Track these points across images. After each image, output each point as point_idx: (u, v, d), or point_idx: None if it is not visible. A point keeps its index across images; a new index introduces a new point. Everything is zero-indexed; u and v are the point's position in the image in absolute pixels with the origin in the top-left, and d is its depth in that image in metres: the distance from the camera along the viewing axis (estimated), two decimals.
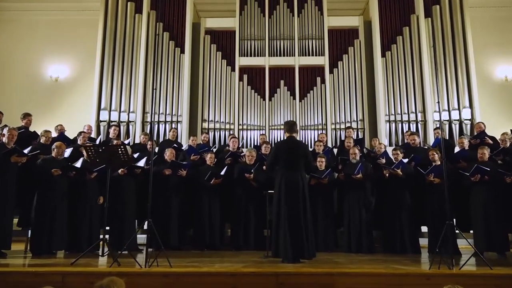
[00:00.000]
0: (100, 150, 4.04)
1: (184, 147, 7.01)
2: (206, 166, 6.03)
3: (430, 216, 5.55)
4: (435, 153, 5.66)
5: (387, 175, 5.68)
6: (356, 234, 5.59)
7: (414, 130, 7.84)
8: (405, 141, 7.57)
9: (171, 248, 5.63)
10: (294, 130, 4.52)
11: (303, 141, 7.89)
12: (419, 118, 8.15)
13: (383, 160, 6.01)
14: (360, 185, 5.69)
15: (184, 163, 5.95)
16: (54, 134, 6.14)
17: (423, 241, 5.77)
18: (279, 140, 8.03)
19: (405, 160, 5.83)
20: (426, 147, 6.68)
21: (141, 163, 5.70)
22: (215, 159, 6.17)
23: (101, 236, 5.78)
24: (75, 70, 9.42)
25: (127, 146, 5.01)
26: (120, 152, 4.04)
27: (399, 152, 5.85)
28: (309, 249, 4.14)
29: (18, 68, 9.33)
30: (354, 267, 3.77)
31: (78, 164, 5.09)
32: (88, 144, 4.22)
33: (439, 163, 5.56)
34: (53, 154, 5.05)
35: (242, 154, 6.47)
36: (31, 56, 9.39)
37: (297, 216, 4.17)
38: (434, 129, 6.97)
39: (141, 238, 6.06)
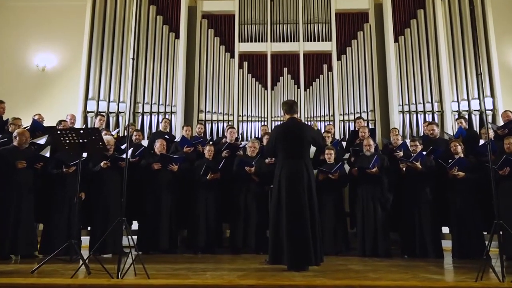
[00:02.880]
0: (70, 134, 3.37)
1: (177, 138, 6.36)
2: (203, 160, 5.40)
3: (453, 215, 4.98)
4: (457, 144, 5.15)
5: (404, 169, 5.07)
6: (371, 235, 5.03)
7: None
8: (421, 133, 6.96)
9: (161, 251, 5.02)
10: (294, 111, 3.82)
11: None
12: (436, 109, 7.46)
13: (401, 153, 5.37)
14: (375, 180, 5.06)
15: (175, 156, 5.30)
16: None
17: (444, 244, 5.13)
18: None
19: (424, 153, 5.21)
20: (448, 138, 6.00)
21: None
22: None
23: (87, 238, 5.32)
24: (63, 59, 8.77)
25: (105, 135, 4.39)
26: (91, 136, 3.38)
27: (417, 143, 5.29)
28: (317, 254, 3.43)
29: (2, 56, 8.70)
30: (376, 276, 3.11)
31: (47, 153, 4.44)
32: (55, 130, 3.55)
33: (462, 155, 4.98)
34: (15, 143, 4.39)
35: (240, 146, 5.84)
36: (16, 44, 8.77)
37: (301, 213, 3.46)
38: (457, 119, 6.30)
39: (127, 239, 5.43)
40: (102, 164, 4.87)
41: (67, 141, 3.44)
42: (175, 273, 3.22)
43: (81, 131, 3.40)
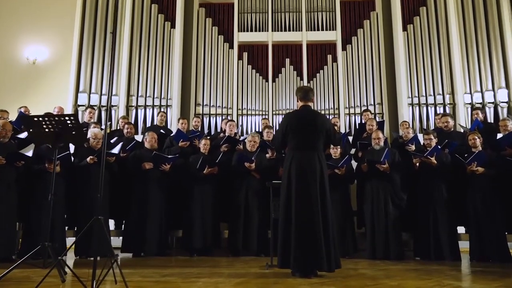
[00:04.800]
0: (44, 122, 2.96)
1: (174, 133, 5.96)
2: (198, 154, 4.99)
3: (472, 215, 4.56)
4: (476, 137, 4.70)
5: (417, 164, 4.65)
6: (381, 236, 4.61)
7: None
8: (432, 127, 6.56)
9: (152, 253, 4.62)
10: (309, 98, 3.43)
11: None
12: (447, 101, 7.04)
13: (413, 147, 4.96)
14: (386, 176, 4.66)
15: (169, 156, 4.89)
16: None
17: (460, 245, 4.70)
18: None
19: (439, 147, 4.79)
20: (463, 131, 5.58)
21: (116, 149, 4.68)
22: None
23: (68, 239, 4.93)
24: (55, 52, 8.36)
25: (93, 127, 3.98)
26: (67, 123, 2.97)
27: (432, 137, 4.86)
28: (331, 258, 3.00)
29: None
30: (395, 284, 2.69)
31: (29, 152, 4.05)
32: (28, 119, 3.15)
33: (481, 149, 4.55)
34: None
35: (240, 139, 5.44)
36: (6, 36, 8.38)
37: (312, 211, 3.05)
38: (473, 110, 5.88)
39: (117, 241, 5.06)
40: (88, 159, 4.49)
41: (42, 131, 3.04)
42: (163, 279, 2.81)
43: (56, 118, 2.99)
